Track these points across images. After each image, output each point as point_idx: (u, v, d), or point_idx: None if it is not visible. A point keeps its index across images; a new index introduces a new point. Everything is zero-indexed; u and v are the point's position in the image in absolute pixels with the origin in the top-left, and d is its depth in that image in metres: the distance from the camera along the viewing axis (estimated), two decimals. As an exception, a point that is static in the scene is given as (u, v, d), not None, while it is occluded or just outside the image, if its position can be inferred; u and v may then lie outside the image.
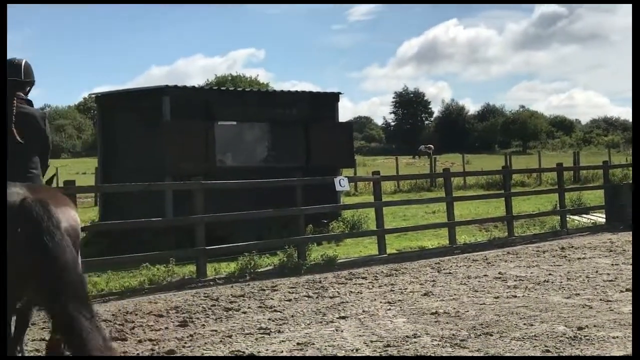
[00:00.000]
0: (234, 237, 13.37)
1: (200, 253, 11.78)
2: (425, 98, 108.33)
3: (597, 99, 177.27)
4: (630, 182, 20.53)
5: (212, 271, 12.10)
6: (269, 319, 8.38)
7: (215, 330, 7.91)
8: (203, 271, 11.70)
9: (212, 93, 18.04)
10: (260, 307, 9.21)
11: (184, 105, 15.72)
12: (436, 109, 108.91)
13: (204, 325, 8.27)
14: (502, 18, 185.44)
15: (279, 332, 7.74)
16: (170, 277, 11.38)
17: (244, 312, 8.90)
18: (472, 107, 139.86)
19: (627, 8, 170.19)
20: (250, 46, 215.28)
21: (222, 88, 21.76)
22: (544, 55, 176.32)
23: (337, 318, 8.31)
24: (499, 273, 11.22)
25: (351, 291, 10.13)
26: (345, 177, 14.63)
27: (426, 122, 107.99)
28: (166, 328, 8.16)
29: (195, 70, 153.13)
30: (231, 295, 10.11)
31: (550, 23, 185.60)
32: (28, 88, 6.12)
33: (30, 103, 5.94)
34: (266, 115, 17.11)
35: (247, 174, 15.20)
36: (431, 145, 71.03)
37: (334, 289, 10.40)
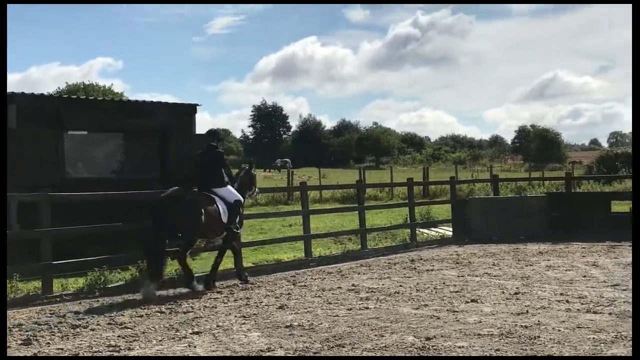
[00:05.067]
0: (84, 252, 12.82)
1: (46, 268, 11.24)
2: (284, 112, 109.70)
3: (445, 118, 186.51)
4: (475, 197, 21.60)
5: (59, 287, 11.60)
6: (119, 336, 8.10)
7: (61, 349, 7.56)
8: (49, 287, 11.17)
9: (62, 101, 17.31)
10: (109, 324, 8.89)
11: (32, 113, 15.01)
12: (294, 124, 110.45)
13: (49, 343, 7.88)
14: (357, 38, 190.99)
15: (129, 349, 7.49)
16: (13, 293, 10.81)
17: (92, 330, 8.56)
18: (329, 123, 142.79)
19: (476, 32, 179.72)
20: (108, 55, 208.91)
21: (74, 96, 20.95)
22: (397, 76, 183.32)
23: (191, 334, 8.16)
24: (352, 285, 11.45)
25: (205, 306, 10.00)
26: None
27: (284, 136, 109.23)
28: (8, 347, 7.70)
29: (50, 78, 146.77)
30: (79, 311, 9.70)
31: (402, 45, 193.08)
32: (217, 142, 12.24)
33: (216, 147, 12.20)
34: (120, 125, 16.63)
35: (99, 185, 14.66)
36: (288, 159, 71.77)
37: (188, 304, 10.23)
